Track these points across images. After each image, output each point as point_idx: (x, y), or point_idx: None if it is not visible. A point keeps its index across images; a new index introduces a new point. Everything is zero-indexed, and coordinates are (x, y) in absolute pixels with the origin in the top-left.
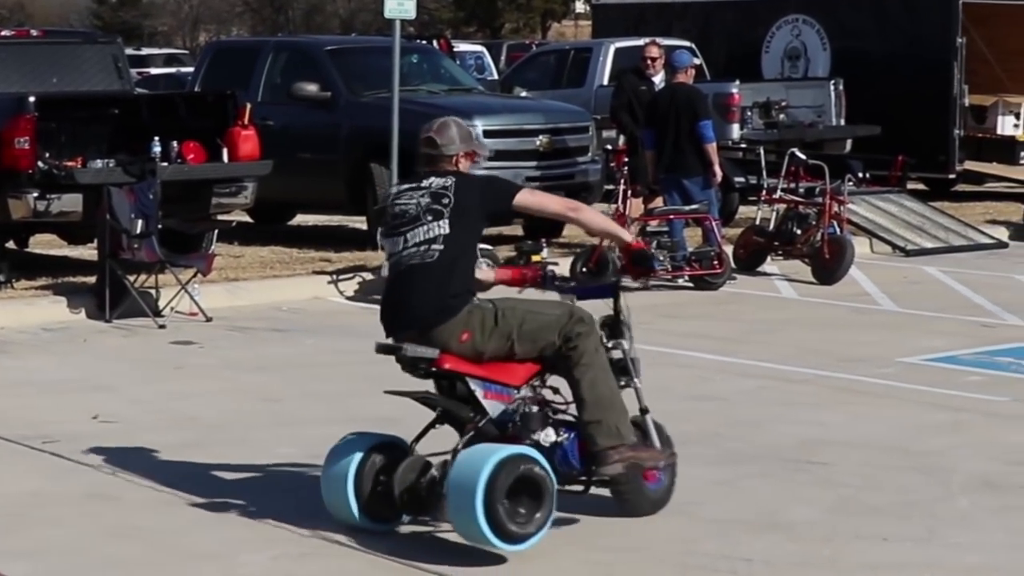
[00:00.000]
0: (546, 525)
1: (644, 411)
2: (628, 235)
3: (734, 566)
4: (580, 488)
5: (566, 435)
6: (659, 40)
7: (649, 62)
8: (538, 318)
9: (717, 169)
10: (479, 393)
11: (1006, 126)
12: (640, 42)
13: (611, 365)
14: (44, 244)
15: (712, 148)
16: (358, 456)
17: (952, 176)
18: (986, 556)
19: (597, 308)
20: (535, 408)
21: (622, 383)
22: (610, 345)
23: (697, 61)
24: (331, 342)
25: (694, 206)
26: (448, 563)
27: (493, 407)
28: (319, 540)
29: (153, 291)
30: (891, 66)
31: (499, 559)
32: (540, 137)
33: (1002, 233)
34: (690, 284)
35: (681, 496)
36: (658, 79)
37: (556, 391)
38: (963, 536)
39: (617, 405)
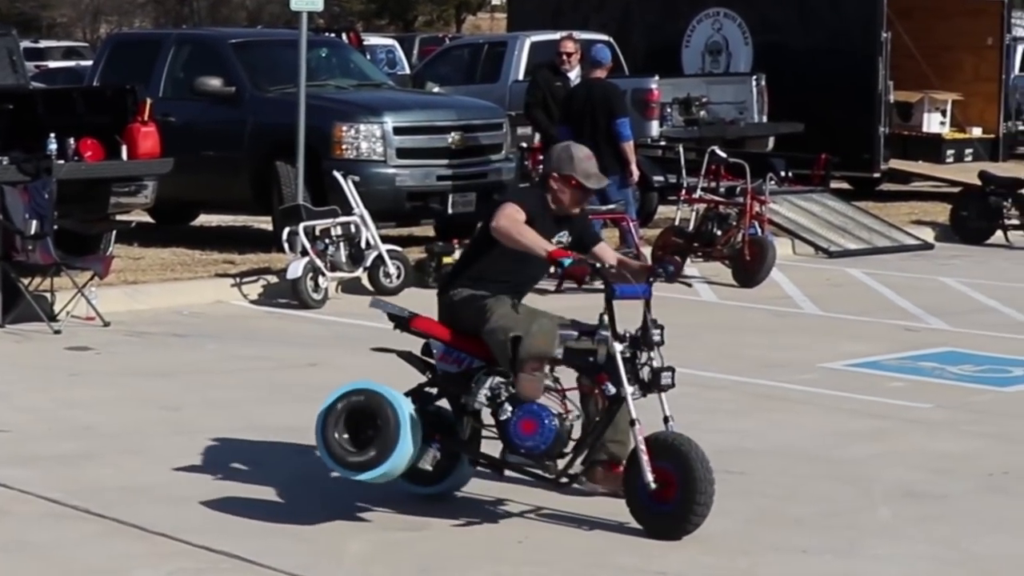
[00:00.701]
0: (385, 460)
1: (631, 422)
2: (543, 247)
3: None
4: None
5: (514, 412)
6: (576, 34)
7: (564, 57)
8: (471, 304)
9: (634, 168)
10: (435, 354)
11: (932, 123)
12: (556, 36)
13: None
14: None
15: (629, 147)
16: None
17: (877, 175)
18: (907, 568)
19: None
20: (495, 380)
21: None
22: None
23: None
24: (234, 348)
25: (611, 206)
26: None
27: (440, 367)
28: (217, 555)
29: (48, 295)
30: (815, 61)
31: (399, 574)
32: (452, 134)
33: (928, 234)
34: None
35: (591, 506)
36: (574, 75)
37: (557, 380)
38: (884, 547)
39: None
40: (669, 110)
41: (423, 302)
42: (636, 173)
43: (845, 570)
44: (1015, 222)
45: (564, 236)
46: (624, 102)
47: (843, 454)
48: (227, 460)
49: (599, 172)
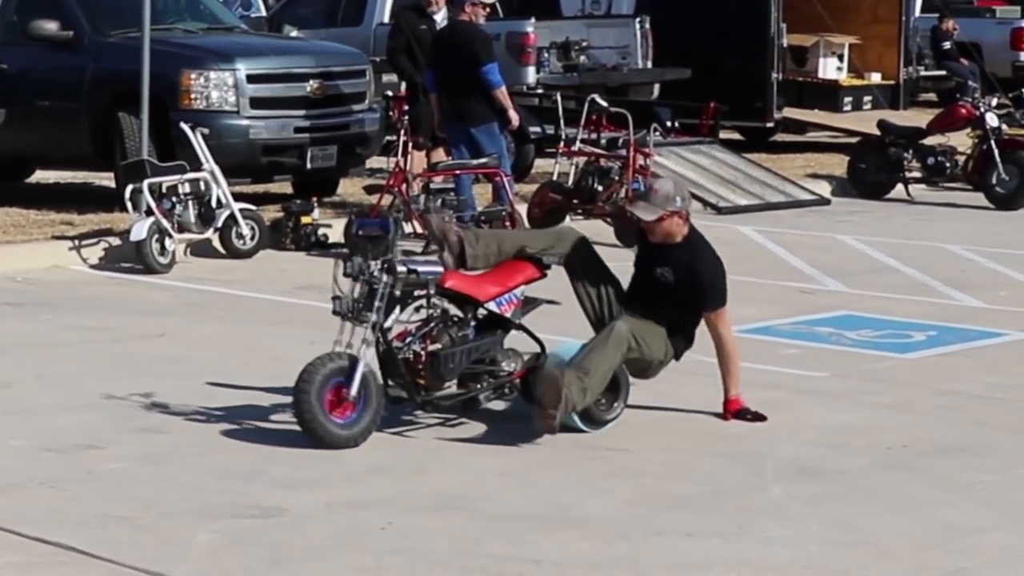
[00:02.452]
0: None
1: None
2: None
3: (521, 568)
4: None
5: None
6: None
7: None
8: None
9: (513, 114)
10: None
11: (828, 69)
12: None
13: None
14: None
15: (502, 92)
16: None
17: (770, 125)
18: (798, 552)
19: None
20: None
21: None
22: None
23: None
24: (71, 317)
25: (483, 160)
26: (199, 571)
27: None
28: (52, 547)
29: None
30: (702, 2)
31: (252, 566)
32: (311, 82)
33: (824, 188)
34: None
35: (461, 489)
36: (440, 17)
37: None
38: (775, 530)
39: None
40: (546, 55)
41: (279, 264)
42: (516, 118)
43: (733, 554)
44: (916, 175)
45: (667, 272)
46: (489, 46)
47: (732, 428)
48: (63, 441)
49: (651, 204)
